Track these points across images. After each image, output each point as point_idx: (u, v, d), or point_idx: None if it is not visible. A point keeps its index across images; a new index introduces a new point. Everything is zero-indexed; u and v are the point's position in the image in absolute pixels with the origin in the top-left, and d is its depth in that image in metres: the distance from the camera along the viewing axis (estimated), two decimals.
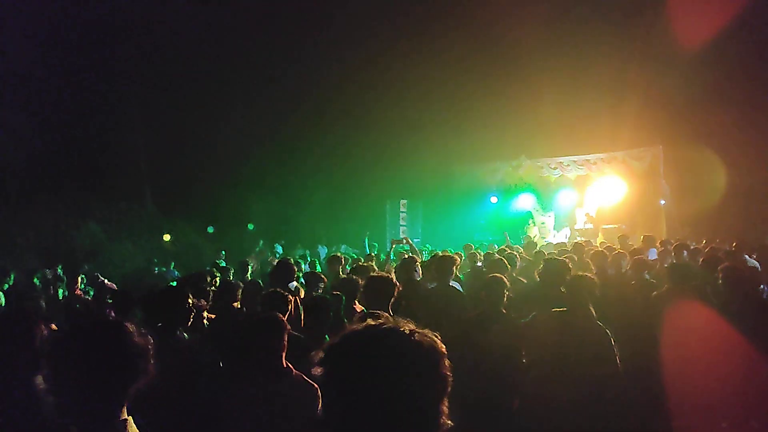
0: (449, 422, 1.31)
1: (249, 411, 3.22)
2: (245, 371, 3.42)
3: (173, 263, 13.44)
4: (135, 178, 20.50)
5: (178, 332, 3.98)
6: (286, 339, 3.38)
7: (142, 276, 12.65)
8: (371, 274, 5.27)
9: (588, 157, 20.49)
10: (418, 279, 6.78)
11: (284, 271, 6.47)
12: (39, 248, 14.83)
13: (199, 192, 20.19)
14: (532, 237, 17.02)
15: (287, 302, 4.60)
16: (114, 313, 5.27)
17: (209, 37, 20.07)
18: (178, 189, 19.94)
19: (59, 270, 11.22)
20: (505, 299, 5.02)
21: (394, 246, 12.27)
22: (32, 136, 15.77)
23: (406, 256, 7.88)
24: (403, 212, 21.96)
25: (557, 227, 20.17)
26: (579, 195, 20.37)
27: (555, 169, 21.28)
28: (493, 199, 21.38)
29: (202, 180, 20.20)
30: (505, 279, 5.29)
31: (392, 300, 4.66)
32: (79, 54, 17.28)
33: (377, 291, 4.69)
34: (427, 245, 15.34)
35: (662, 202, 18.67)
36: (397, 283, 4.88)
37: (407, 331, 1.34)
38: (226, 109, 20.04)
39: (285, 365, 3.38)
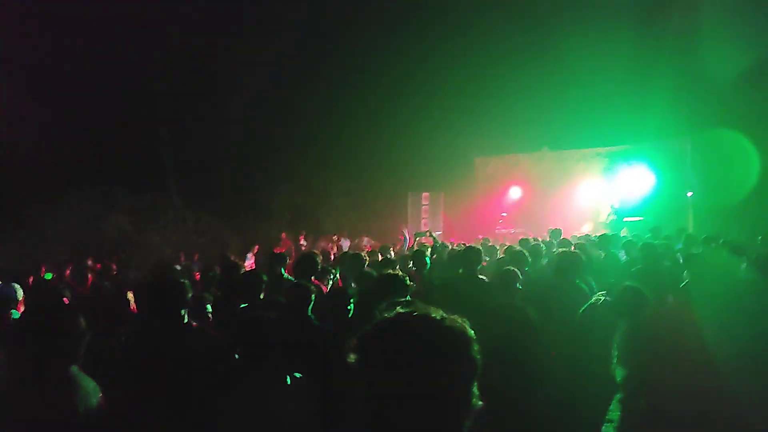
0: (479, 403, 1.36)
1: None
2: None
3: (197, 255, 13.60)
4: (160, 171, 20.79)
5: (181, 318, 4.01)
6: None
7: (168, 267, 12.82)
8: (384, 272, 5.22)
9: (613, 148, 20.27)
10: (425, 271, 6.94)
11: (308, 263, 6.53)
12: (69, 240, 15.14)
13: (222, 184, 20.39)
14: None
15: (310, 294, 4.64)
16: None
17: (227, 30, 20.21)
18: (202, 181, 20.17)
19: (90, 261, 11.48)
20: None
21: (417, 239, 12.32)
22: (60, 130, 16.05)
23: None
24: (425, 204, 21.96)
25: (581, 220, 20.01)
26: (603, 187, 20.17)
27: (579, 160, 21.11)
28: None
29: (224, 172, 20.39)
30: (517, 271, 5.33)
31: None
32: (105, 49, 17.51)
33: (387, 289, 4.61)
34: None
35: (689, 193, 18.39)
36: (410, 282, 4.84)
37: (438, 318, 1.38)
38: (248, 101, 20.14)
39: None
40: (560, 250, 7.23)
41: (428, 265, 7.27)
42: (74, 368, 2.82)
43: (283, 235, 17.39)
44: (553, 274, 5.76)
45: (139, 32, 18.80)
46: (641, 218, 17.51)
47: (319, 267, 6.64)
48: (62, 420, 2.51)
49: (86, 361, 3.30)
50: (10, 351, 3.19)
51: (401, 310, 1.43)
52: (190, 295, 4.02)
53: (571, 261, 5.60)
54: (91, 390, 2.76)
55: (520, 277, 5.65)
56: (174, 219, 18.79)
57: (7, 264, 10.60)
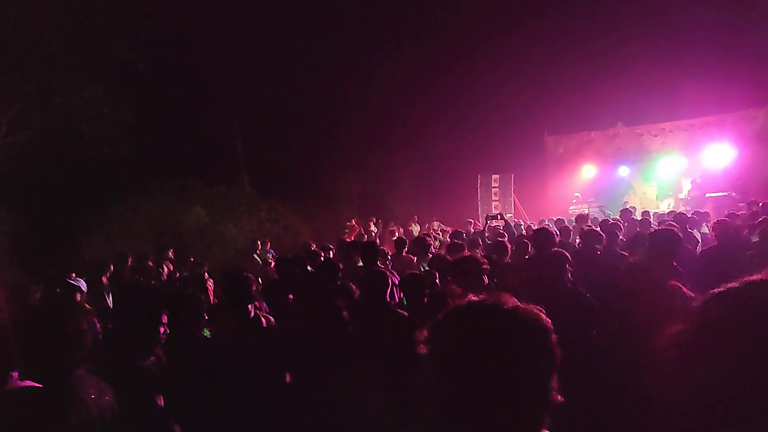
0: (559, 397, 1.29)
1: None
2: None
3: (268, 243, 13.88)
4: (233, 162, 21.40)
5: (249, 310, 4.09)
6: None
7: (245, 257, 13.19)
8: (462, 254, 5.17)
9: (693, 121, 19.29)
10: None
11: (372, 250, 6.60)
12: (151, 233, 15.81)
13: (292, 173, 20.76)
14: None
15: (387, 280, 4.63)
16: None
17: (297, 23, 20.45)
18: (273, 171, 20.61)
19: (170, 253, 11.95)
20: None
21: (487, 222, 12.13)
22: (138, 127, 16.73)
23: None
24: (495, 187, 21.62)
25: (660, 197, 19.22)
26: (683, 162, 19.24)
27: (656, 135, 20.24)
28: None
29: (294, 161, 20.75)
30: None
31: (483, 279, 4.58)
32: (176, 49, 18.09)
33: (465, 271, 4.62)
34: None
35: None
36: (485, 262, 4.78)
37: (511, 307, 1.32)
38: (315, 90, 20.38)
39: None
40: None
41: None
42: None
43: (354, 221, 17.54)
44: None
45: (211, 28, 19.33)
46: (726, 193, 16.56)
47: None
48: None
49: (166, 353, 3.42)
50: None
51: (473, 299, 1.38)
52: (254, 288, 4.11)
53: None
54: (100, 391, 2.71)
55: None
56: (248, 209, 19.28)
57: (94, 257, 11.19)
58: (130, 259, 9.61)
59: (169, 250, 11.69)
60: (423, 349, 1.37)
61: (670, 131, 19.82)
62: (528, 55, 20.47)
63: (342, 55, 20.79)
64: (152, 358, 3.25)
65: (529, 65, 20.45)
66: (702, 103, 18.29)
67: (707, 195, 16.47)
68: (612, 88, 19.08)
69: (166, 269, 9.79)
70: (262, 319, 4.16)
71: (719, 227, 6.88)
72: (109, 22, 15.73)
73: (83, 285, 6.13)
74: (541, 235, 6.20)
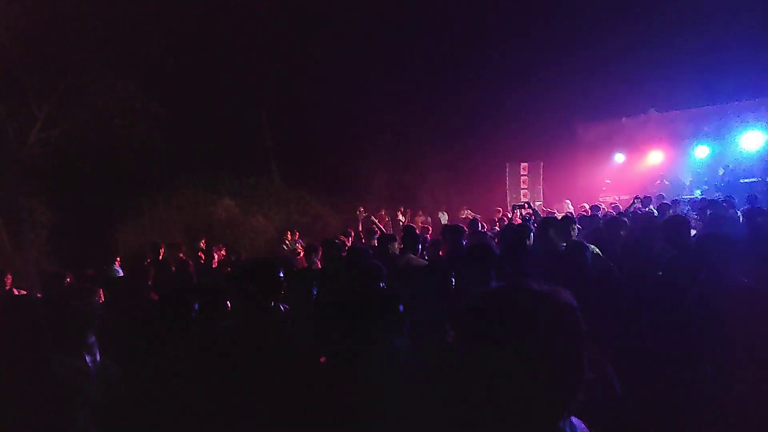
0: (588, 374, 1.30)
1: None
2: None
3: (297, 233, 14.00)
4: (262, 154, 21.57)
5: (273, 304, 4.09)
6: None
7: (274, 247, 13.35)
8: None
9: (728, 105, 18.83)
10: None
11: (411, 237, 6.60)
12: (182, 224, 16.09)
13: (321, 164, 20.86)
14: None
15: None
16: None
17: (324, 16, 20.44)
18: (301, 162, 20.73)
19: (202, 243, 12.17)
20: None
21: (516, 211, 12.07)
22: (169, 121, 16.98)
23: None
24: (524, 175, 21.45)
25: (693, 184, 18.83)
26: (717, 148, 18.81)
27: (689, 121, 19.82)
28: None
29: (323, 152, 20.84)
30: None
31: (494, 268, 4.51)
32: (205, 43, 18.27)
33: (477, 259, 4.45)
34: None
35: None
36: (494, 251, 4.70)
37: (537, 289, 1.34)
38: (343, 82, 20.40)
39: None
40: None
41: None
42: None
43: (383, 211, 17.59)
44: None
45: (240, 21, 19.45)
46: (759, 179, 16.15)
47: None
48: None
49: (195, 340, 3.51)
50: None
51: (499, 282, 1.40)
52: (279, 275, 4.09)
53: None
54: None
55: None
56: (277, 200, 19.46)
57: (128, 248, 11.46)
58: (162, 249, 9.78)
59: (200, 240, 11.90)
60: (451, 335, 1.39)
61: (702, 116, 19.38)
62: (558, 42, 20.13)
63: (369, 45, 20.75)
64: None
65: (560, 52, 20.10)
66: (735, 87, 17.82)
67: (741, 181, 16.11)
68: (643, 74, 18.70)
69: (216, 256, 10.13)
70: (281, 308, 4.17)
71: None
72: (139, 19, 15.97)
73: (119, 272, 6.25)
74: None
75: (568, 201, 16.92)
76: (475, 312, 1.37)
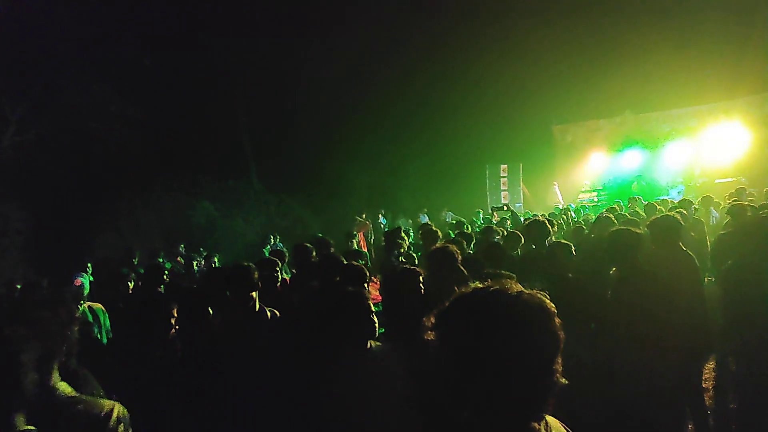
0: (563, 380, 1.31)
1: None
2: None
3: (278, 237, 13.93)
4: (240, 157, 21.42)
5: (259, 308, 4.01)
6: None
7: (254, 251, 13.26)
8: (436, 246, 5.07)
9: (702, 107, 19.14)
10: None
11: (394, 238, 6.65)
12: (161, 228, 15.91)
13: (300, 167, 20.78)
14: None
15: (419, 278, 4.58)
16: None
17: (303, 17, 20.40)
18: (281, 165, 20.63)
19: (181, 248, 12.05)
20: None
21: (494, 214, 12.14)
22: (146, 124, 16.80)
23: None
24: (503, 177, 21.60)
25: (669, 184, 19.11)
26: (692, 149, 19.11)
27: (664, 123, 20.12)
28: None
29: (303, 155, 20.76)
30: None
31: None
32: (183, 45, 18.11)
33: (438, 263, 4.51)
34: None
35: None
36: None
37: (515, 292, 1.34)
38: (323, 84, 20.35)
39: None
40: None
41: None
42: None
43: (363, 216, 17.54)
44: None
45: (217, 23, 19.31)
46: (735, 179, 16.45)
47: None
48: None
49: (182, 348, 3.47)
50: None
51: (478, 285, 1.40)
52: (256, 276, 4.04)
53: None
54: None
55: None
56: (257, 203, 19.34)
57: (107, 252, 11.29)
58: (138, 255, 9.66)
59: (180, 245, 11.77)
60: (431, 336, 1.39)
61: (678, 118, 19.69)
62: (535, 44, 20.32)
63: (348, 48, 20.74)
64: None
65: (536, 55, 20.31)
66: (710, 88, 18.13)
67: (716, 181, 16.38)
68: (619, 76, 18.95)
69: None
70: (267, 312, 4.13)
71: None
72: (114, 20, 15.78)
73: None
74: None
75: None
76: (451, 313, 1.38)
